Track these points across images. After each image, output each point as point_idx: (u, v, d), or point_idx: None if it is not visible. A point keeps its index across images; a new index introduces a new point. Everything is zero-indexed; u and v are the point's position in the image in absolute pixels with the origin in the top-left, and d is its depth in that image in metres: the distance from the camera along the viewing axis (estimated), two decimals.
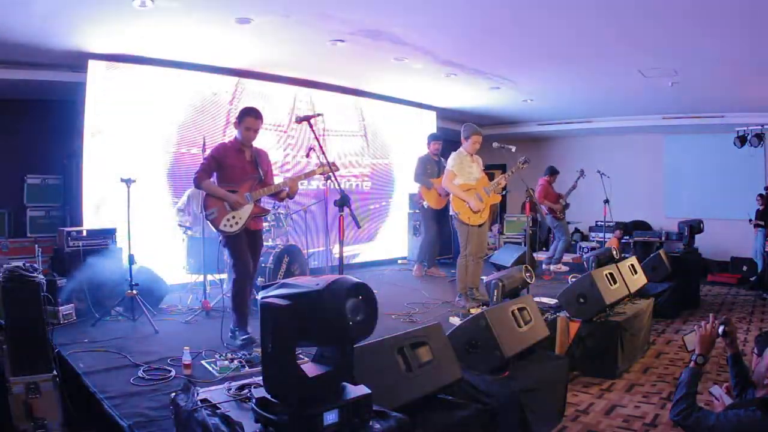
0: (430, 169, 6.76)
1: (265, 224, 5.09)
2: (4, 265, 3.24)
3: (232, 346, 3.71)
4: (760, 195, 8.16)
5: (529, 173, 5.64)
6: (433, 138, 6.94)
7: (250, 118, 3.83)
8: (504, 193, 9.89)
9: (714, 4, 4.27)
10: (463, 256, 5.17)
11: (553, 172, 7.88)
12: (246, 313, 3.86)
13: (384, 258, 8.25)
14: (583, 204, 8.82)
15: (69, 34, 4.92)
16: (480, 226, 5.18)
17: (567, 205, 7.73)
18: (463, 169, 5.19)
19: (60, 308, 4.24)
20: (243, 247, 3.84)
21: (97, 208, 5.48)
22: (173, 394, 2.25)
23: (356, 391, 1.96)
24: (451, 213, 5.24)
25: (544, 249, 10.39)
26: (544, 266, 7.57)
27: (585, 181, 7.86)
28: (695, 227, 7.71)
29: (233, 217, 3.78)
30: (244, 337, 3.76)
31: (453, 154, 5.30)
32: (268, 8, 4.51)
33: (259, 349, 2.43)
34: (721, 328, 2.38)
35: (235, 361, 3.27)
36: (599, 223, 7.78)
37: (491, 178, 5.49)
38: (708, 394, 2.46)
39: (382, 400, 2.10)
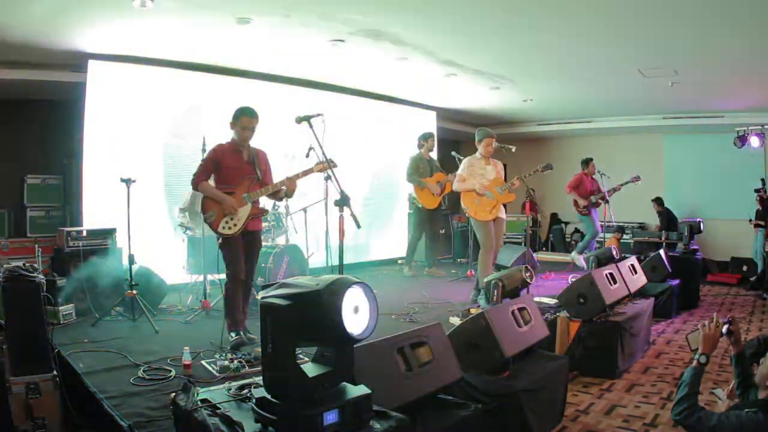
0: (423, 168, 6.77)
1: (265, 224, 5.09)
2: (4, 265, 3.24)
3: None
4: (759, 195, 8.09)
5: (531, 174, 5.66)
6: (425, 137, 6.92)
7: (245, 117, 3.82)
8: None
9: (714, 4, 4.27)
10: (483, 253, 5.20)
11: (586, 162, 7.73)
12: (237, 318, 3.82)
13: (384, 258, 8.25)
14: None
15: (69, 34, 4.92)
16: (491, 221, 5.22)
17: (596, 204, 7.57)
18: (474, 172, 5.26)
19: (60, 308, 4.24)
20: (237, 250, 3.83)
21: (96, 209, 5.48)
22: (173, 394, 2.25)
23: (356, 391, 1.96)
24: (465, 213, 5.35)
25: (543, 249, 10.41)
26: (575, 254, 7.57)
27: None
28: (695, 227, 7.70)
29: (231, 219, 3.78)
30: (233, 339, 3.75)
31: (465, 159, 5.37)
32: (268, 8, 4.51)
33: (259, 349, 2.43)
34: (725, 328, 2.38)
35: (235, 361, 3.27)
36: (599, 222, 7.78)
37: None
38: (709, 394, 2.46)
39: (382, 400, 2.10)
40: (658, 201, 9.59)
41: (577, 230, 10.36)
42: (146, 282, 4.72)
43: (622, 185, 7.49)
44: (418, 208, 6.88)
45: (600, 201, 7.53)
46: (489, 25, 4.97)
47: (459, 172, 5.35)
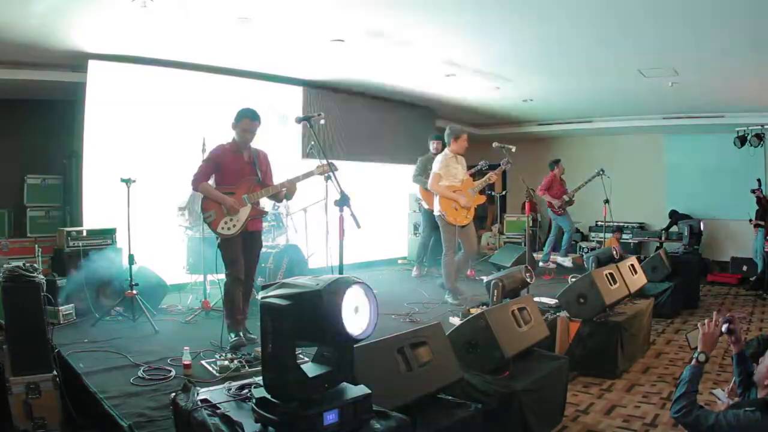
0: (432, 169, 6.75)
1: (265, 224, 5.09)
2: (4, 265, 3.25)
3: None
4: (755, 195, 8.07)
5: (529, 173, 5.67)
6: (435, 137, 6.94)
7: (246, 120, 3.82)
8: (503, 193, 9.93)
9: (714, 4, 4.27)
10: (447, 255, 5.28)
11: (555, 163, 7.94)
12: (236, 318, 3.83)
13: (384, 258, 8.25)
14: (583, 204, 8.84)
15: (69, 34, 4.92)
16: (464, 226, 5.25)
17: (570, 202, 7.79)
18: (449, 171, 5.29)
19: (60, 308, 4.25)
20: (236, 251, 3.82)
21: (96, 209, 5.48)
22: (173, 394, 2.25)
23: (356, 391, 1.96)
24: (437, 214, 5.30)
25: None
26: (541, 264, 7.61)
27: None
28: (695, 227, 7.71)
29: (231, 220, 3.78)
30: (233, 339, 3.76)
31: (438, 157, 5.39)
32: (268, 8, 4.50)
33: (259, 349, 2.43)
34: (725, 326, 2.38)
35: (235, 361, 3.27)
36: (599, 223, 7.79)
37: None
38: (708, 394, 2.46)
39: (382, 400, 2.10)
40: (671, 214, 9.62)
41: (577, 230, 10.35)
42: (146, 282, 4.72)
43: (587, 181, 7.65)
44: (424, 210, 6.87)
45: (572, 200, 7.79)
46: (489, 24, 4.96)
47: (434, 170, 5.31)
